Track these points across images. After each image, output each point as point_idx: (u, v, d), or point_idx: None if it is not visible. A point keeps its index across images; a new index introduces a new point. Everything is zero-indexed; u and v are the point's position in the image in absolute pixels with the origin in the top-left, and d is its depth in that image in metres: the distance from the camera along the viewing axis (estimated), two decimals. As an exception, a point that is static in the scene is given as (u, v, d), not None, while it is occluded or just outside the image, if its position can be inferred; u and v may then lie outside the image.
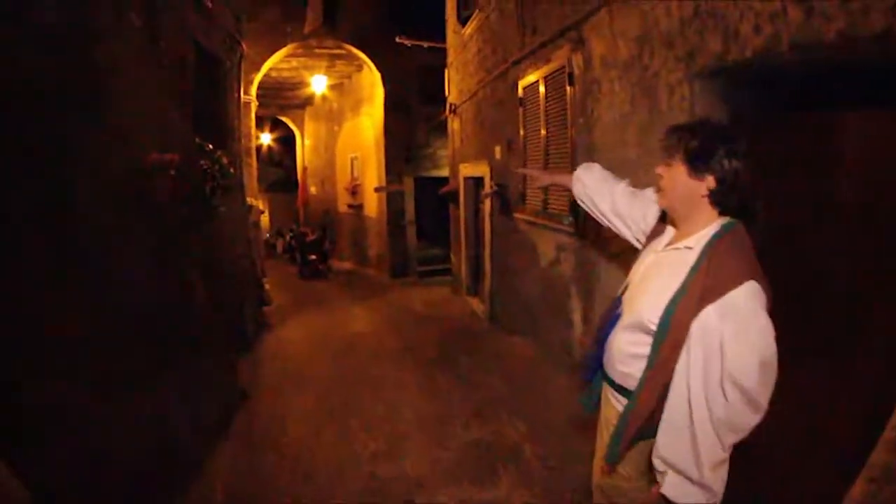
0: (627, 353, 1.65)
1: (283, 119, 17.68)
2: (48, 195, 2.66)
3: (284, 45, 10.42)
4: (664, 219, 1.75)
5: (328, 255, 13.46)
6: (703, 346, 1.41)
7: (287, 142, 19.65)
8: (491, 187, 6.37)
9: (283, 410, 4.66)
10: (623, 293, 1.79)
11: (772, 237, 2.05)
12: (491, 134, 6.62)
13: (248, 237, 7.60)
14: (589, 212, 2.17)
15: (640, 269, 1.73)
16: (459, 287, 8.75)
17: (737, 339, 1.37)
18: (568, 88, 4.49)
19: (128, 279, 3.37)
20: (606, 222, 2.08)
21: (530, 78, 5.28)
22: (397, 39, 10.84)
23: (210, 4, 5.56)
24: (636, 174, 3.41)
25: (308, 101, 15.93)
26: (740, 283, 1.38)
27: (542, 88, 5.01)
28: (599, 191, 2.06)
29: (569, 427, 4.00)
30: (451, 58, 8.98)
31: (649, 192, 1.89)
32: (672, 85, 3.18)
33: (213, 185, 5.43)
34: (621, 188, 2.01)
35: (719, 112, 2.94)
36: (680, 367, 1.46)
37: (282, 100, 15.83)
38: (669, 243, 1.64)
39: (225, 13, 6.38)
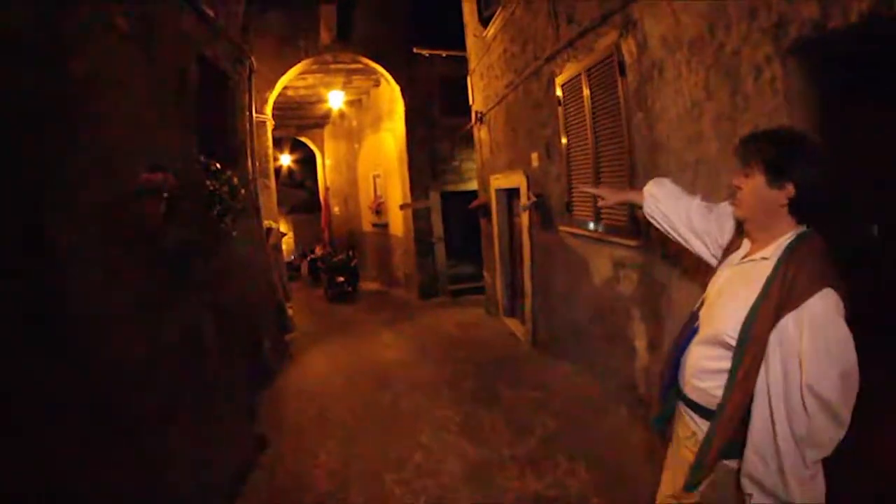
0: (704, 368, 1.62)
1: (303, 139, 17.38)
2: (15, 227, 2.19)
3: (298, 62, 10.03)
4: (741, 232, 1.69)
5: (357, 277, 12.99)
6: (781, 357, 1.39)
7: (308, 162, 19.41)
8: (529, 199, 5.77)
9: (306, 463, 4.09)
10: (699, 308, 1.75)
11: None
12: (526, 140, 6.03)
13: (267, 262, 7.12)
14: (661, 229, 2.05)
15: (716, 283, 1.69)
16: (495, 307, 8.13)
17: (815, 349, 1.33)
18: (619, 79, 3.90)
19: (117, 322, 2.94)
20: (681, 240, 1.97)
21: (569, 73, 4.70)
22: (415, 50, 10.44)
23: (212, 13, 5.12)
24: (718, 174, 2.84)
25: (326, 119, 15.61)
26: (817, 290, 1.35)
27: (585, 83, 4.41)
28: (674, 207, 1.96)
29: (638, 470, 3.42)
30: (473, 64, 8.47)
31: (724, 206, 1.84)
32: (758, 64, 2.59)
33: (221, 207, 4.96)
34: (696, 204, 1.93)
35: (813, 96, 2.40)
36: (760, 382, 1.43)
37: (300, 119, 15.50)
38: (745, 256, 1.61)
39: (231, 24, 5.96)
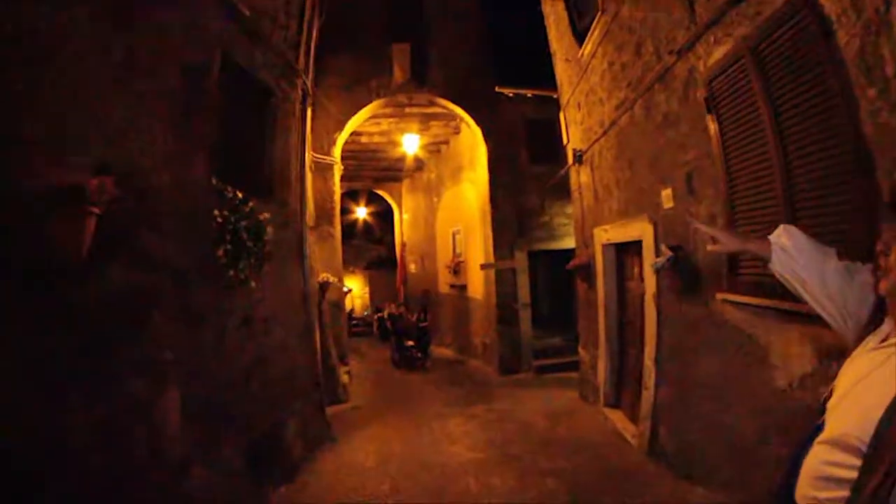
0: (824, 474, 1.20)
1: (380, 192, 16.66)
2: None
3: (370, 102, 9.15)
4: (883, 308, 1.27)
5: (428, 342, 11.61)
6: None
7: (385, 216, 18.73)
8: (660, 253, 4.10)
9: None
10: (826, 400, 1.33)
11: None
12: (651, 173, 4.47)
13: (312, 322, 5.81)
14: (791, 289, 1.54)
15: (849, 370, 1.31)
16: (593, 393, 6.36)
17: None
18: (821, 44, 2.37)
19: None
20: (816, 307, 1.48)
21: (721, 60, 3.19)
22: (497, 89, 9.36)
23: (247, 12, 4.10)
24: None
25: (405, 171, 14.73)
26: None
27: (752, 67, 2.88)
28: (808, 265, 1.48)
29: None
30: (565, 95, 7.13)
31: (867, 273, 1.37)
32: None
33: (232, 248, 3.75)
34: (834, 264, 1.45)
35: None
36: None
37: (376, 171, 14.76)
38: (885, 339, 1.22)
39: (278, 34, 4.98)
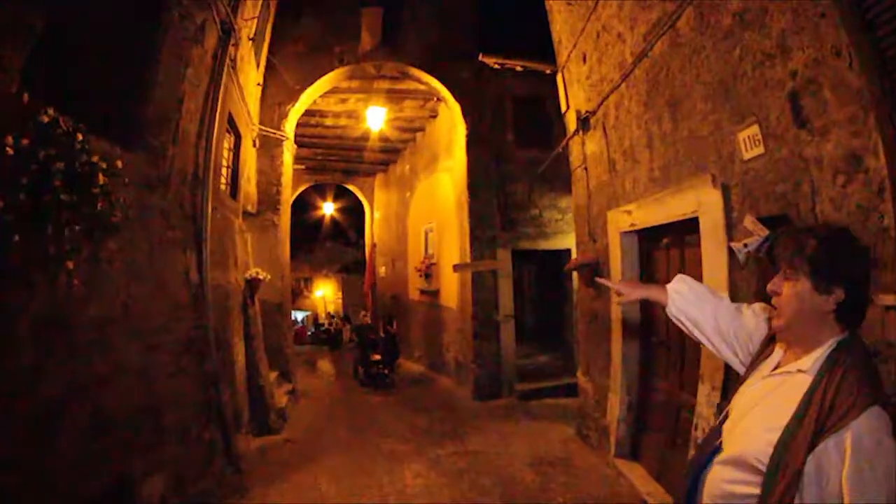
0: (726, 491, 1.32)
1: (351, 188, 15.06)
2: None
3: (331, 69, 7.73)
4: (772, 338, 1.43)
5: (396, 356, 10.17)
6: (819, 488, 1.13)
7: (361, 217, 17.33)
8: (735, 232, 2.48)
9: None
10: (723, 423, 1.45)
11: None
12: (716, 109, 2.88)
13: (208, 331, 4.18)
14: (685, 331, 1.70)
15: (743, 397, 1.42)
16: (598, 435, 4.74)
17: (862, 479, 1.08)
18: None
19: None
20: (709, 345, 1.64)
21: None
22: (481, 57, 7.91)
23: None
24: None
25: (376, 164, 13.25)
26: (863, 409, 1.12)
27: None
28: (702, 308, 1.65)
29: None
30: (565, 52, 5.68)
31: (755, 309, 1.58)
32: None
33: (30, 198, 2.21)
34: (725, 305, 1.63)
35: None
36: None
37: (345, 162, 13.29)
38: (777, 366, 1.36)
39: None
